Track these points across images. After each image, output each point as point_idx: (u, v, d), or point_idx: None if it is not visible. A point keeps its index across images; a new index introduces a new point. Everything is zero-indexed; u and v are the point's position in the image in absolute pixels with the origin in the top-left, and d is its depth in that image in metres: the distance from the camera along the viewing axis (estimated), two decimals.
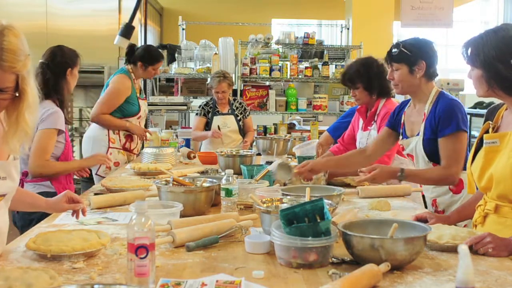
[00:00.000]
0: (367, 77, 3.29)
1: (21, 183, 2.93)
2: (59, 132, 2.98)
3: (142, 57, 4.24)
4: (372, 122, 3.37)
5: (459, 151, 2.55)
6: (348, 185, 3.12)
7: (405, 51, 2.63)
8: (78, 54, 3.22)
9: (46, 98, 3.00)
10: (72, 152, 3.25)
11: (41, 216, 2.43)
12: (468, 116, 7.20)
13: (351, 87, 3.40)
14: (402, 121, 2.83)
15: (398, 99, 4.26)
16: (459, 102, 2.64)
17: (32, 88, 1.62)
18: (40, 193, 2.64)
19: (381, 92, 3.32)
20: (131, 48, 4.28)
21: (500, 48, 1.94)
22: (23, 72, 1.58)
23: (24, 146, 1.69)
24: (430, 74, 2.68)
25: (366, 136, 3.42)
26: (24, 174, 2.99)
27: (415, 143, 2.71)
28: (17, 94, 1.58)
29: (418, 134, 2.70)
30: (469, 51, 2.03)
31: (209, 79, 4.94)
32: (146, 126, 6.38)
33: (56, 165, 3.01)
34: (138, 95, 4.32)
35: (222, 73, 4.86)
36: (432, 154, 2.65)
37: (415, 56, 2.63)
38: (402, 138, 2.83)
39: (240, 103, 5.04)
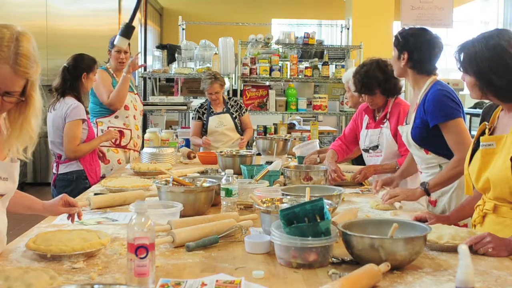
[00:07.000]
0: (385, 82, 3.22)
1: (57, 165, 3.62)
2: (83, 121, 3.57)
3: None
4: (384, 120, 3.33)
5: (461, 136, 2.55)
6: (348, 185, 3.12)
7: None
8: (96, 61, 3.77)
9: (65, 95, 3.58)
10: (95, 135, 3.84)
11: None
12: (468, 116, 7.21)
13: (368, 93, 3.28)
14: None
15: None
16: (448, 90, 2.59)
17: (37, 94, 1.66)
18: (71, 172, 3.58)
19: (394, 92, 3.30)
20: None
21: (493, 59, 1.94)
22: (34, 78, 1.61)
23: (27, 150, 1.71)
24: None
25: (378, 134, 3.35)
26: (59, 157, 3.62)
27: (406, 131, 2.72)
28: (23, 99, 1.61)
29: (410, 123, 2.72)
30: (461, 56, 2.02)
31: (201, 82, 4.90)
32: (145, 125, 6.36)
33: (84, 147, 3.60)
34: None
35: (213, 74, 4.83)
36: (422, 141, 2.66)
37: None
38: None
39: (235, 101, 5.01)
